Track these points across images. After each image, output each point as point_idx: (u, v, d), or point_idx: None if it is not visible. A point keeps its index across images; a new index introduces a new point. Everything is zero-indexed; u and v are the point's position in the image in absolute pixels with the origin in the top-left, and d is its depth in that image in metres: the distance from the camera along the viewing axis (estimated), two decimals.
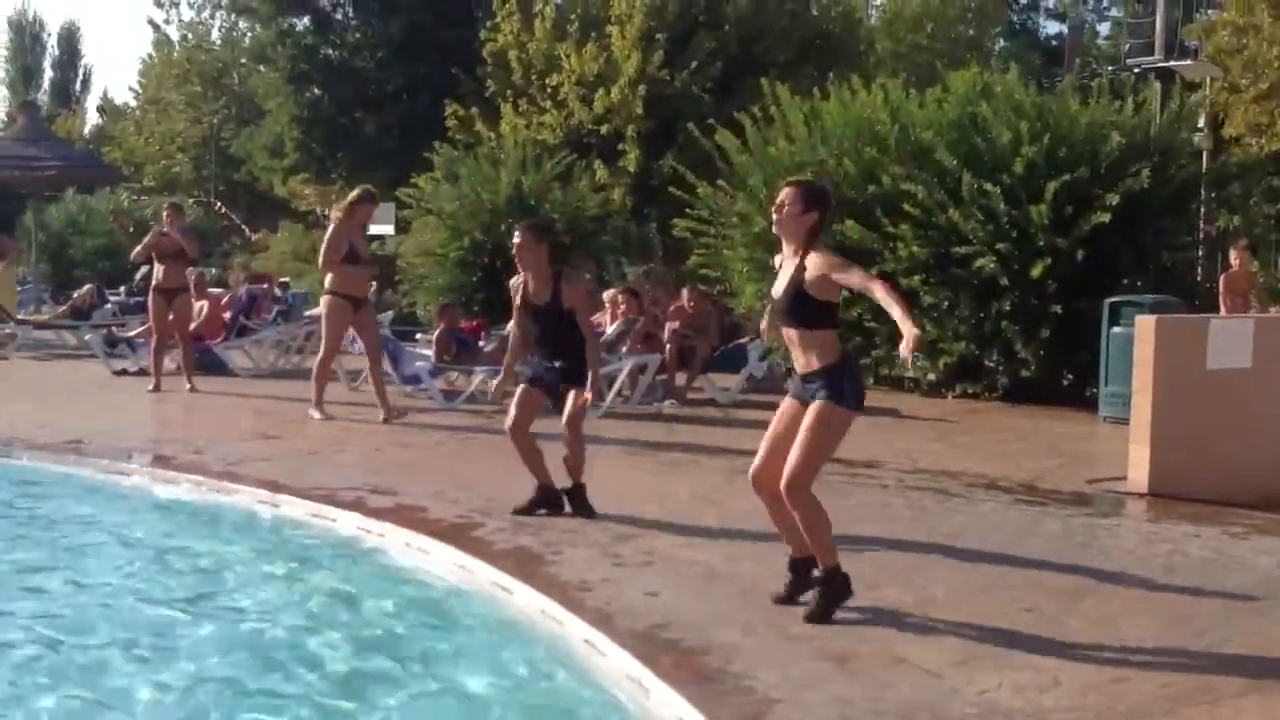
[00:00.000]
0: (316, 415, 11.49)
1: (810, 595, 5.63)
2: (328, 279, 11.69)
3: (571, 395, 7.48)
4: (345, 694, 5.02)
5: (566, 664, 5.28)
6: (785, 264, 5.69)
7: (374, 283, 20.01)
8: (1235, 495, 8.09)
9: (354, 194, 12.15)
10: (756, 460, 5.79)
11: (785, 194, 5.66)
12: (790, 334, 5.64)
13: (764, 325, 6.07)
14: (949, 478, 9.03)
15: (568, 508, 7.57)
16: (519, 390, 7.73)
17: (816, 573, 5.63)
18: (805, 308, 5.55)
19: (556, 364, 7.58)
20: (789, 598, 5.74)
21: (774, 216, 5.71)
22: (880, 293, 5.43)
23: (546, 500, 7.62)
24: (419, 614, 6.05)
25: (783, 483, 5.52)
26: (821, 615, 5.51)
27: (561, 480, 7.63)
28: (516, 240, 7.58)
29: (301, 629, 5.83)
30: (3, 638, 5.67)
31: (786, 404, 5.75)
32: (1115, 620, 5.62)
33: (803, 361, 5.60)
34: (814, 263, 5.52)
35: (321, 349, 11.85)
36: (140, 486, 8.90)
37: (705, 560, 6.56)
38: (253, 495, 8.34)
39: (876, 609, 5.69)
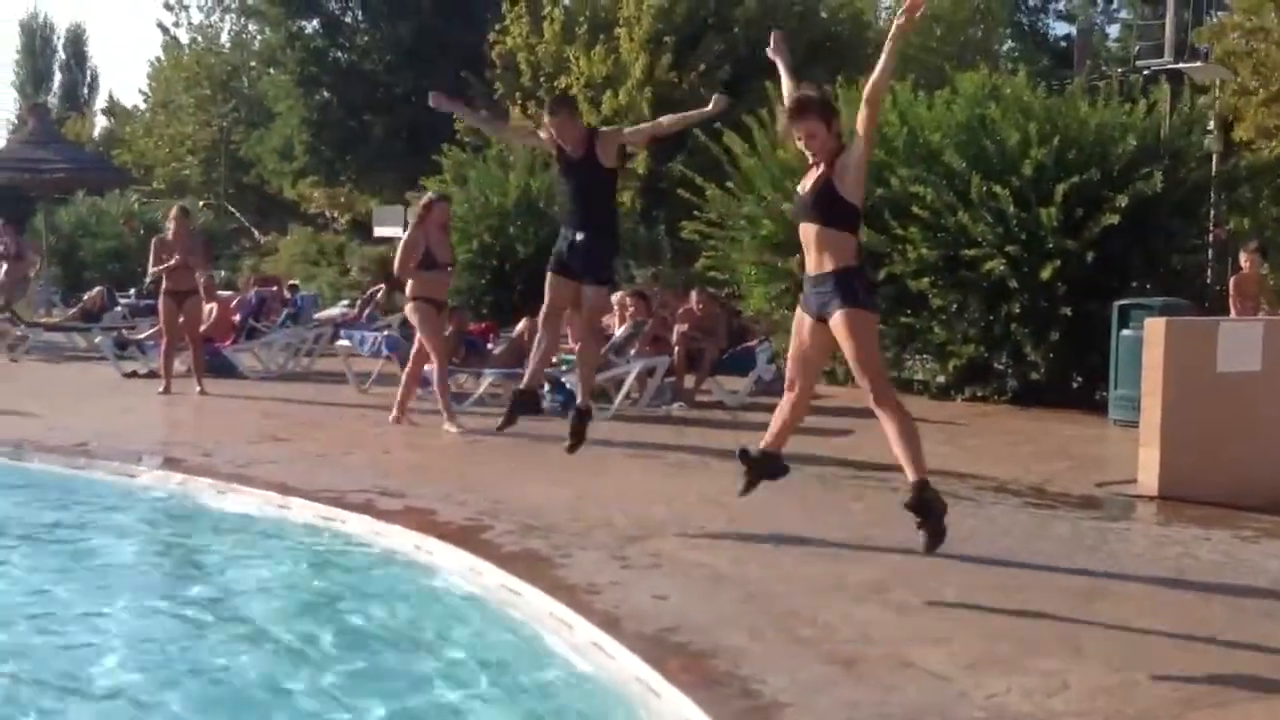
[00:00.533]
0: (453, 429, 10.95)
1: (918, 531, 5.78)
2: (408, 285, 11.23)
3: (590, 295, 7.77)
4: (346, 698, 5.02)
5: (575, 667, 5.28)
6: (812, 171, 5.82)
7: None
8: (1245, 498, 8.06)
9: (427, 196, 12.13)
10: (789, 369, 6.16)
11: (804, 126, 5.74)
12: (808, 233, 5.71)
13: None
14: (958, 480, 9.01)
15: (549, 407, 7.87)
16: (548, 278, 8.03)
17: (907, 498, 5.78)
18: (831, 204, 5.65)
19: (579, 236, 7.86)
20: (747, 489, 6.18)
21: (806, 150, 5.81)
22: (882, 64, 5.71)
23: (524, 403, 8.00)
24: (425, 617, 6.05)
25: (871, 402, 5.71)
26: (935, 535, 5.71)
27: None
28: (553, 124, 8.04)
29: (304, 626, 5.84)
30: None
31: (800, 317, 5.94)
32: (1125, 623, 5.61)
33: (814, 261, 5.71)
34: (841, 160, 5.66)
35: (433, 360, 11.21)
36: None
37: (713, 563, 6.55)
38: (262, 497, 8.35)
39: (885, 612, 5.68)
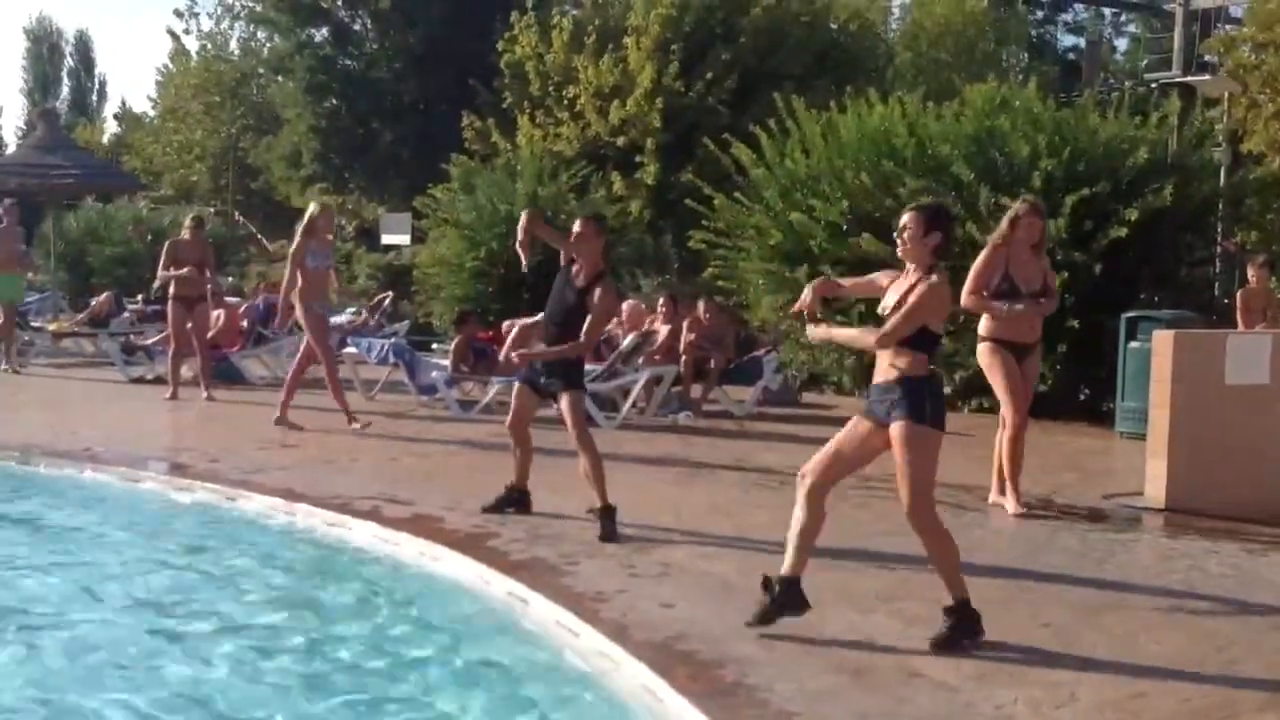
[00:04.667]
0: (355, 426, 11.44)
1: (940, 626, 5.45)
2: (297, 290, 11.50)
3: (565, 404, 7.57)
4: (350, 709, 5.02)
5: (582, 675, 5.28)
6: (903, 282, 5.53)
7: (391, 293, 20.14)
8: (1253, 511, 8.06)
9: (313, 206, 12.34)
10: (814, 458, 5.62)
11: (905, 219, 5.54)
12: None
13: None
14: (965, 492, 9.00)
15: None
16: (516, 386, 7.99)
17: (947, 604, 5.47)
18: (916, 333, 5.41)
19: (557, 363, 7.67)
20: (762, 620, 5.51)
21: (898, 243, 5.58)
22: (868, 338, 5.55)
23: (512, 499, 7.91)
24: (432, 623, 6.05)
25: (907, 517, 5.44)
26: (945, 645, 5.34)
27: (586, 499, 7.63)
28: (577, 230, 7.78)
29: (311, 635, 5.84)
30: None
31: (856, 420, 5.63)
32: (1133, 636, 5.60)
33: (883, 369, 5.49)
34: (926, 282, 5.40)
35: (322, 364, 11.77)
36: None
37: (721, 572, 6.55)
38: (268, 503, 8.36)
39: (893, 622, 5.68)
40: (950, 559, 5.49)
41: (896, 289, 5.53)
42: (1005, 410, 8.29)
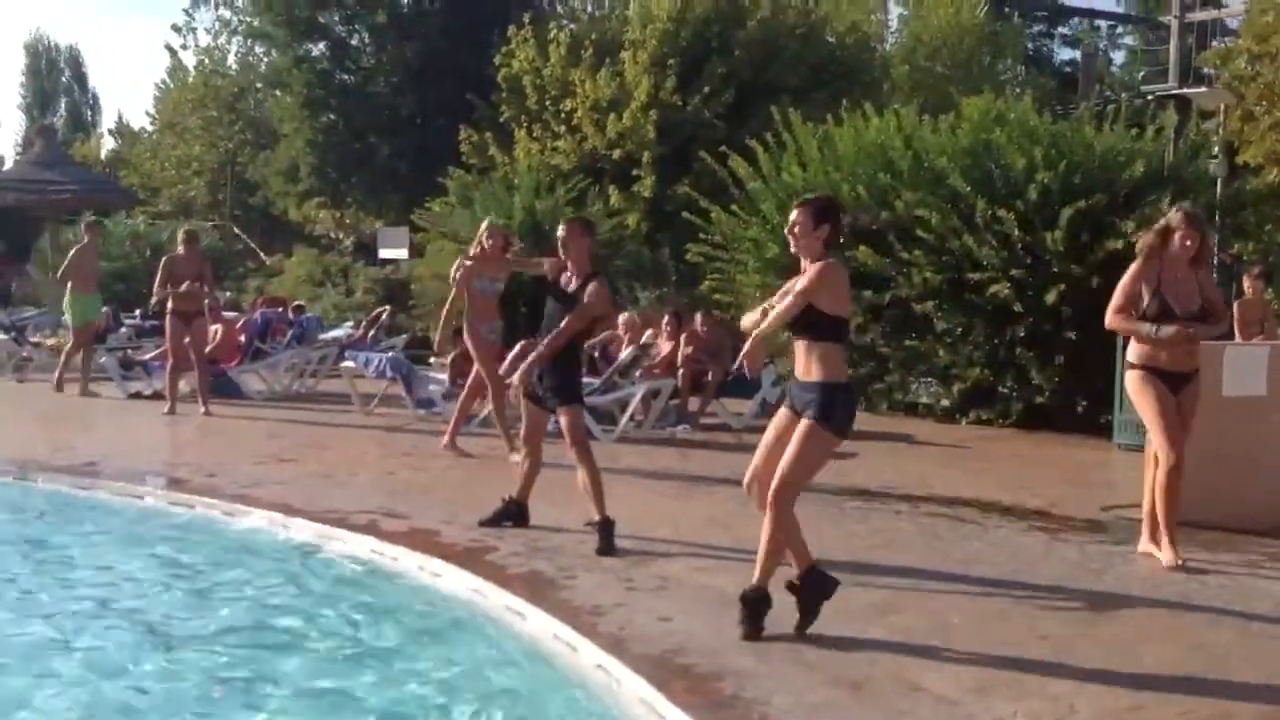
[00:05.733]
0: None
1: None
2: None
3: (564, 418, 7.59)
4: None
5: (580, 689, 5.27)
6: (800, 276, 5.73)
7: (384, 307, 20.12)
8: (1251, 522, 8.06)
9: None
10: (750, 467, 5.92)
11: (795, 215, 5.74)
12: (797, 341, 5.69)
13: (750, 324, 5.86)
14: (963, 504, 9.01)
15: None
16: (524, 404, 7.94)
17: (790, 580, 5.69)
18: (809, 317, 5.59)
19: (554, 372, 7.67)
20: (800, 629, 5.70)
21: (790, 240, 5.77)
22: (779, 310, 5.61)
23: (510, 513, 7.89)
24: (429, 637, 6.05)
25: (769, 493, 5.60)
26: (808, 616, 5.63)
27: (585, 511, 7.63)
28: (562, 233, 7.76)
29: (304, 649, 5.83)
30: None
31: (781, 412, 5.86)
32: (1132, 647, 5.60)
33: (803, 368, 5.66)
34: (813, 266, 5.60)
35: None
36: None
37: (719, 585, 6.54)
38: (266, 518, 8.36)
39: (891, 634, 5.67)
40: (781, 548, 5.68)
41: (793, 282, 5.71)
42: (1158, 447, 7.39)
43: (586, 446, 7.66)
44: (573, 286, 7.73)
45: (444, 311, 10.87)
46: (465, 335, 10.89)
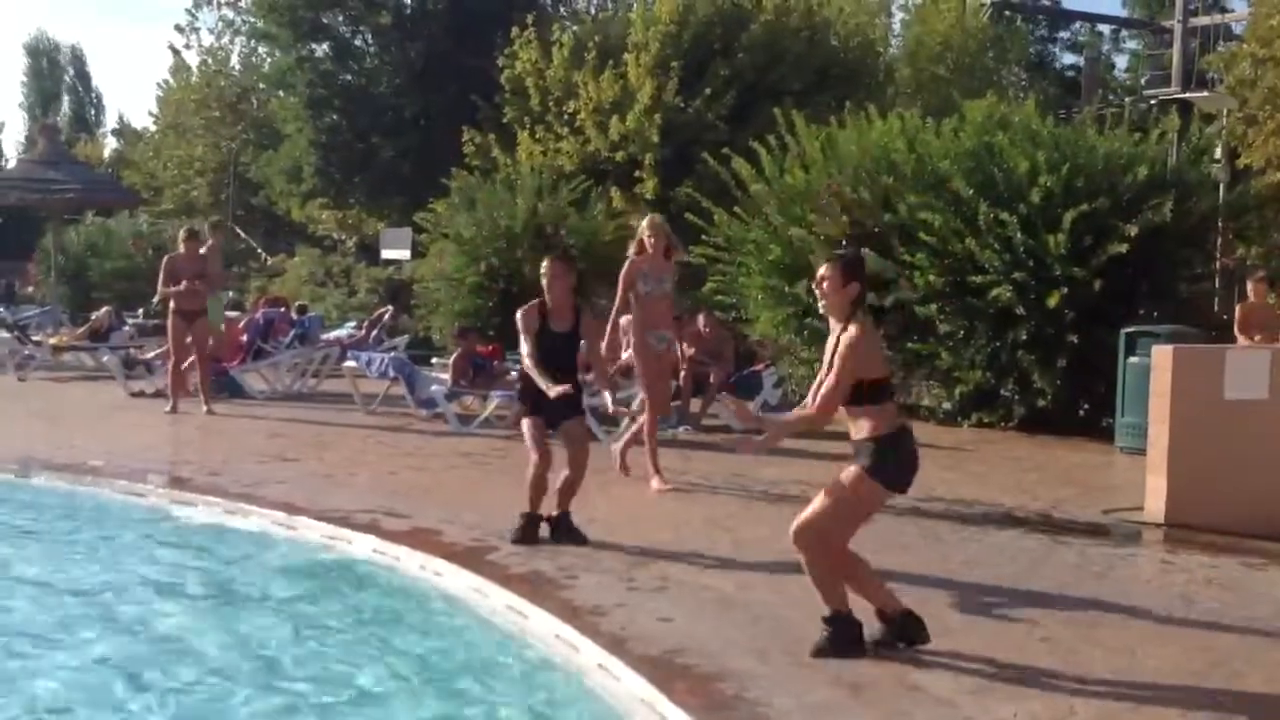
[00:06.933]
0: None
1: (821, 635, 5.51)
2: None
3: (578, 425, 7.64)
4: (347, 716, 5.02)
5: (580, 688, 5.28)
6: (832, 339, 5.60)
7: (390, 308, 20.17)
8: (1253, 526, 8.05)
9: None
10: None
11: (824, 271, 5.61)
12: (844, 410, 5.58)
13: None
14: (964, 507, 9.01)
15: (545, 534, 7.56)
16: (532, 421, 7.65)
17: (824, 614, 5.52)
18: (854, 390, 5.47)
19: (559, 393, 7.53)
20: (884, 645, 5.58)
21: (817, 294, 5.65)
22: (807, 414, 5.60)
23: (535, 523, 7.58)
24: (430, 636, 6.06)
25: (794, 531, 5.46)
26: (821, 652, 5.43)
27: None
28: (547, 271, 7.62)
29: (305, 646, 5.84)
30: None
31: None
32: (1132, 650, 5.60)
33: (853, 429, 5.56)
34: (844, 338, 5.47)
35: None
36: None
37: (719, 586, 6.55)
38: (268, 517, 8.37)
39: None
40: (827, 579, 5.51)
41: (829, 346, 5.59)
42: None
43: (583, 465, 7.58)
44: (567, 326, 7.66)
45: (612, 315, 9.73)
46: (631, 343, 9.92)
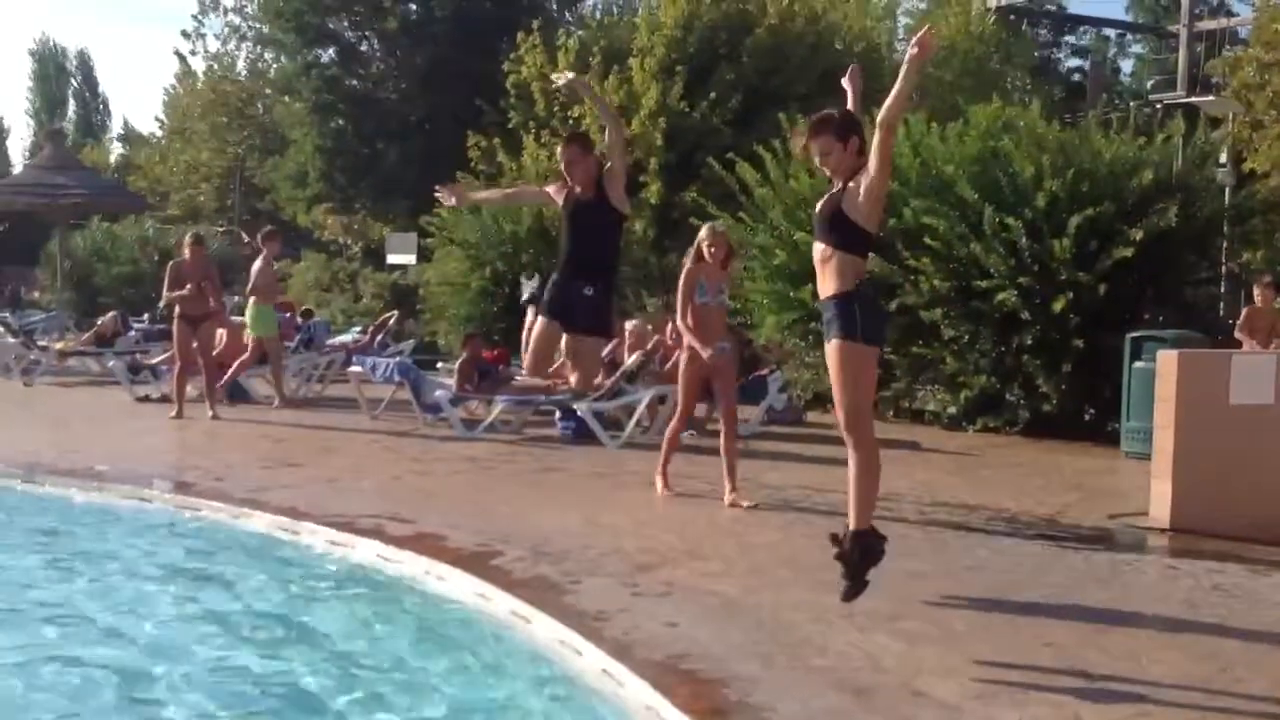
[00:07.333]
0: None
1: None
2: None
3: (588, 346, 7.77)
4: None
5: (585, 694, 5.27)
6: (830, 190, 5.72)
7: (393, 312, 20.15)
8: (1258, 531, 8.03)
9: None
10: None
11: (815, 144, 5.66)
12: (816, 253, 5.69)
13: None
14: (969, 511, 9.00)
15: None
16: (539, 323, 7.79)
17: (841, 537, 5.58)
18: (836, 226, 5.58)
19: (588, 290, 7.68)
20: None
21: (824, 169, 5.73)
22: (898, 88, 5.57)
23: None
24: (434, 642, 6.05)
25: (841, 429, 5.55)
26: (852, 589, 5.53)
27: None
28: (565, 157, 7.87)
29: (315, 654, 5.84)
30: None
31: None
32: (1137, 656, 5.59)
33: (822, 286, 5.65)
34: (855, 181, 5.56)
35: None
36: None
37: (724, 591, 6.54)
38: (273, 521, 8.38)
39: (895, 641, 5.67)
40: (870, 484, 5.60)
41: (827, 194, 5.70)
42: None
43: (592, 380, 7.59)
44: (591, 195, 7.81)
45: (678, 322, 9.30)
46: (687, 354, 9.26)
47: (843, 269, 5.55)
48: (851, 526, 5.66)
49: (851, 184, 5.59)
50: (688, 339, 9.02)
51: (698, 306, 9.07)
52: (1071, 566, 7.40)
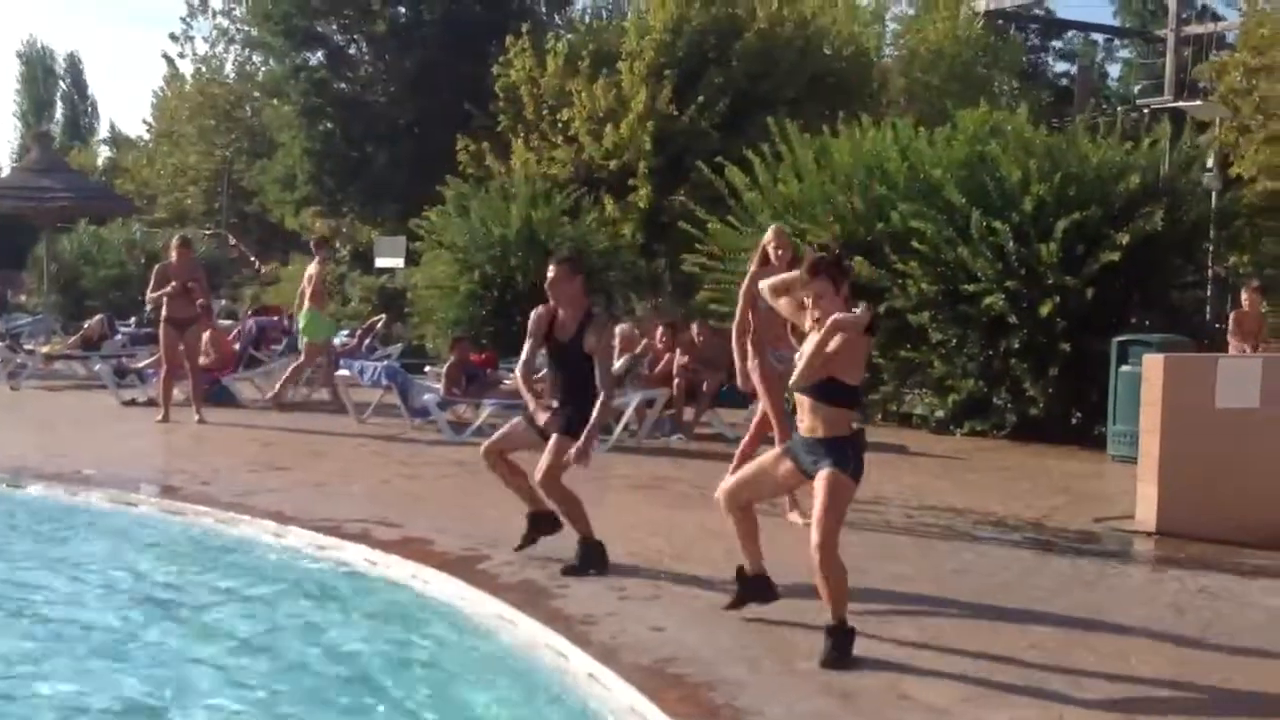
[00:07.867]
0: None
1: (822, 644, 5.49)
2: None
3: (552, 443, 7.03)
4: None
5: (571, 698, 5.27)
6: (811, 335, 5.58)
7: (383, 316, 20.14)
8: (1243, 534, 8.06)
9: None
10: (729, 480, 6.10)
11: (814, 285, 5.56)
12: (803, 400, 5.61)
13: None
14: (956, 515, 9.02)
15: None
16: (514, 421, 7.52)
17: (829, 623, 5.50)
18: (828, 384, 5.51)
19: (563, 408, 7.16)
20: (734, 605, 6.05)
21: (813, 310, 5.59)
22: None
23: (539, 524, 7.30)
24: (421, 646, 6.04)
25: (812, 548, 5.45)
26: (833, 663, 5.40)
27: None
28: (551, 274, 7.21)
29: (299, 656, 5.83)
30: None
31: (780, 456, 5.86)
32: (1123, 657, 5.60)
33: (808, 426, 5.58)
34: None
35: None
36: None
37: (712, 595, 6.53)
38: (260, 526, 8.36)
39: (882, 645, 5.67)
40: (841, 587, 5.51)
41: (811, 339, 5.55)
42: None
43: (559, 485, 7.11)
44: (571, 334, 7.14)
45: (734, 329, 8.80)
46: (750, 363, 8.73)
47: (835, 419, 5.54)
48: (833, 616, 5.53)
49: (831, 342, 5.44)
50: (744, 351, 8.62)
51: (761, 313, 8.25)
52: (1058, 570, 7.42)
